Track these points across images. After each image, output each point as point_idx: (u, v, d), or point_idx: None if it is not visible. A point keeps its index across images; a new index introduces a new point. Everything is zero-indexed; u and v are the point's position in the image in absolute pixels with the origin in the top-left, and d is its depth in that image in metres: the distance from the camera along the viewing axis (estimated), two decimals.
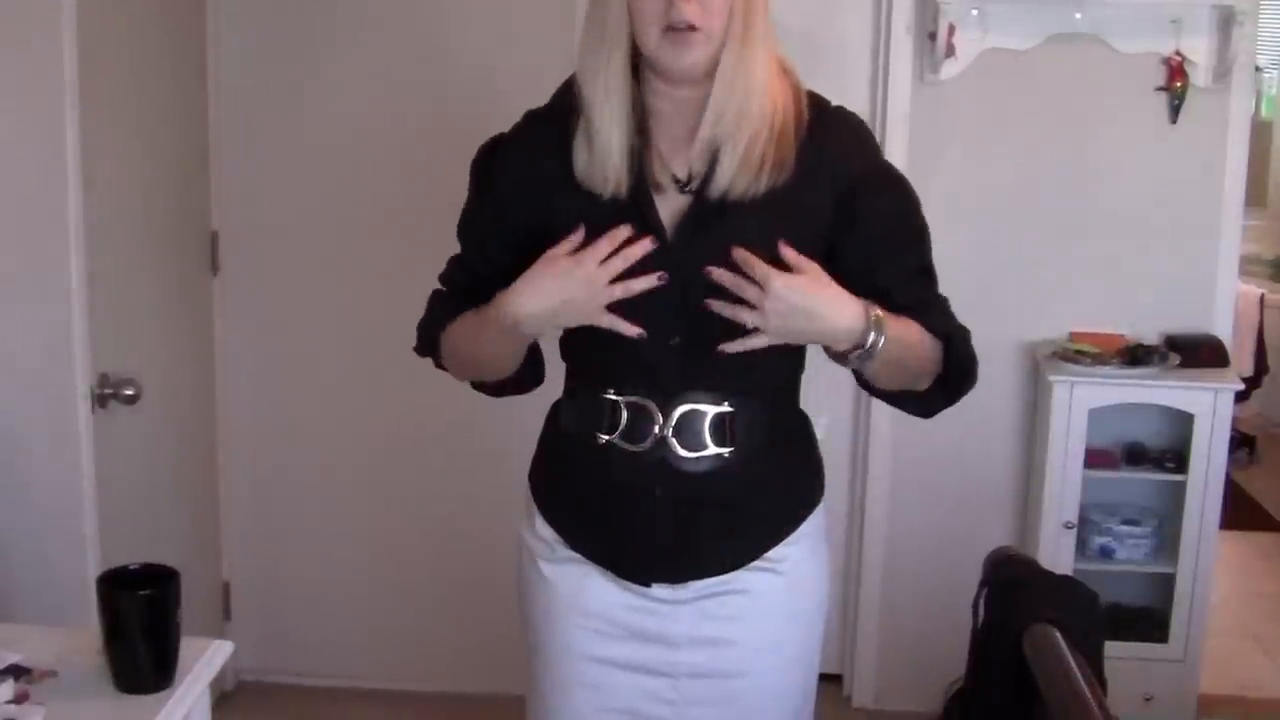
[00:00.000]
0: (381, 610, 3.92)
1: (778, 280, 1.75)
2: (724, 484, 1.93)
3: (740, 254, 1.76)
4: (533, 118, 2.01)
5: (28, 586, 2.68)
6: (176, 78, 3.44)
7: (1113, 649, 2.69)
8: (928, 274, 2.01)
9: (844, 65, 3.68)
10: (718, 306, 1.79)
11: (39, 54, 2.58)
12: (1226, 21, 3.49)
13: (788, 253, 1.78)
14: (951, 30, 3.53)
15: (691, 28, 1.79)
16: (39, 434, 2.68)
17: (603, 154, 1.86)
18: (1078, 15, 3.53)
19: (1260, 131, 5.67)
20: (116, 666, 1.83)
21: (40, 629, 2.09)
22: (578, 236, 1.82)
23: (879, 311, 1.83)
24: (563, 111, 1.91)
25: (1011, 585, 2.64)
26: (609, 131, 1.85)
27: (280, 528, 3.89)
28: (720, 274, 1.77)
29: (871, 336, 1.81)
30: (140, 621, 1.81)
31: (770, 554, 2.00)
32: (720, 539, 1.97)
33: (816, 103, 1.94)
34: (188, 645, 1.89)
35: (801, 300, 1.77)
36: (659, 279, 1.81)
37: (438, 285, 2.10)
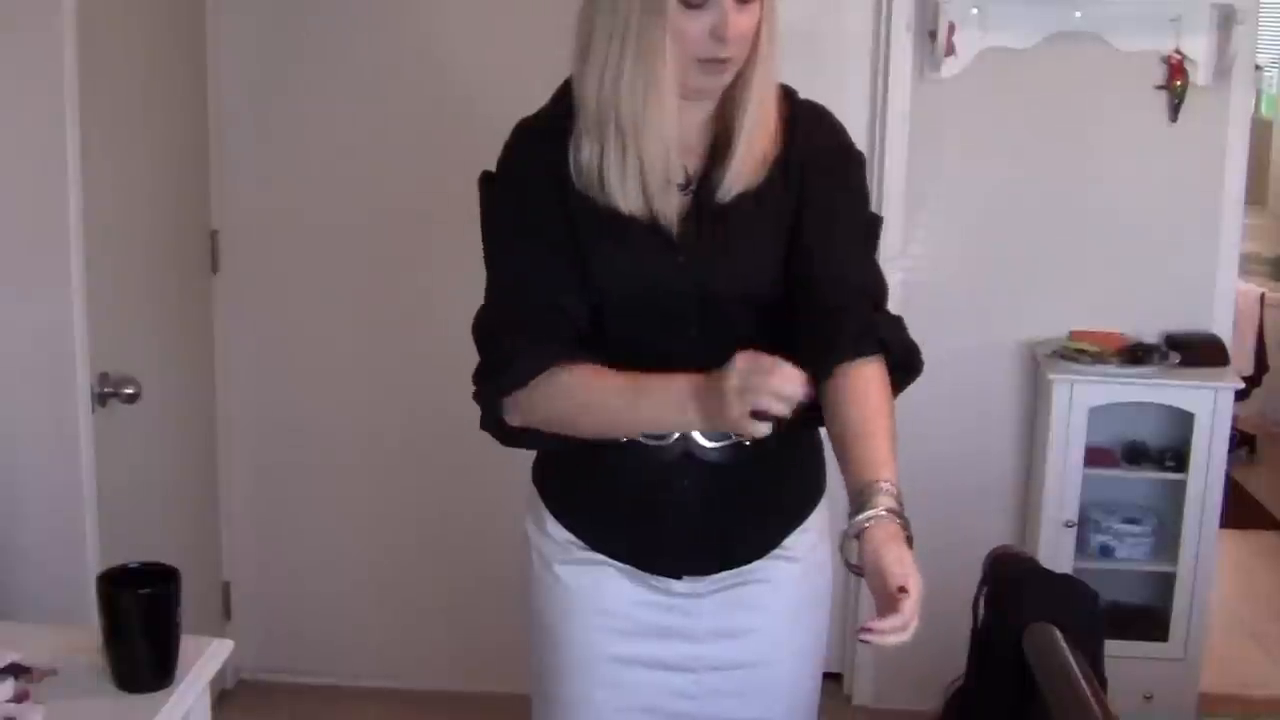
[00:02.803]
0: (382, 609, 3.92)
1: (911, 601, 1.87)
2: (745, 472, 1.95)
3: (878, 629, 1.84)
4: (525, 130, 1.99)
5: (28, 585, 2.67)
6: (176, 76, 3.44)
7: (1113, 648, 2.69)
8: (868, 256, 2.00)
9: (844, 64, 3.68)
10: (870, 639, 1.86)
11: (39, 53, 2.58)
12: (1226, 20, 3.49)
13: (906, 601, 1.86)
14: (951, 29, 3.53)
15: (726, 61, 1.82)
16: (39, 433, 2.67)
17: (657, 183, 1.86)
18: (1077, 14, 3.53)
19: (1260, 130, 5.66)
20: (116, 665, 1.83)
21: (40, 628, 2.09)
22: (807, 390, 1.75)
23: (885, 501, 1.84)
24: (560, 116, 1.92)
25: (1012, 584, 2.64)
26: (664, 159, 1.86)
27: (280, 526, 3.89)
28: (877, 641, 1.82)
29: (902, 511, 1.88)
30: (140, 620, 1.81)
31: (785, 542, 2.04)
32: (746, 527, 2.00)
33: (789, 96, 1.97)
34: (188, 644, 1.89)
35: (911, 562, 1.90)
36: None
37: (486, 346, 1.96)
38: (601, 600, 2.02)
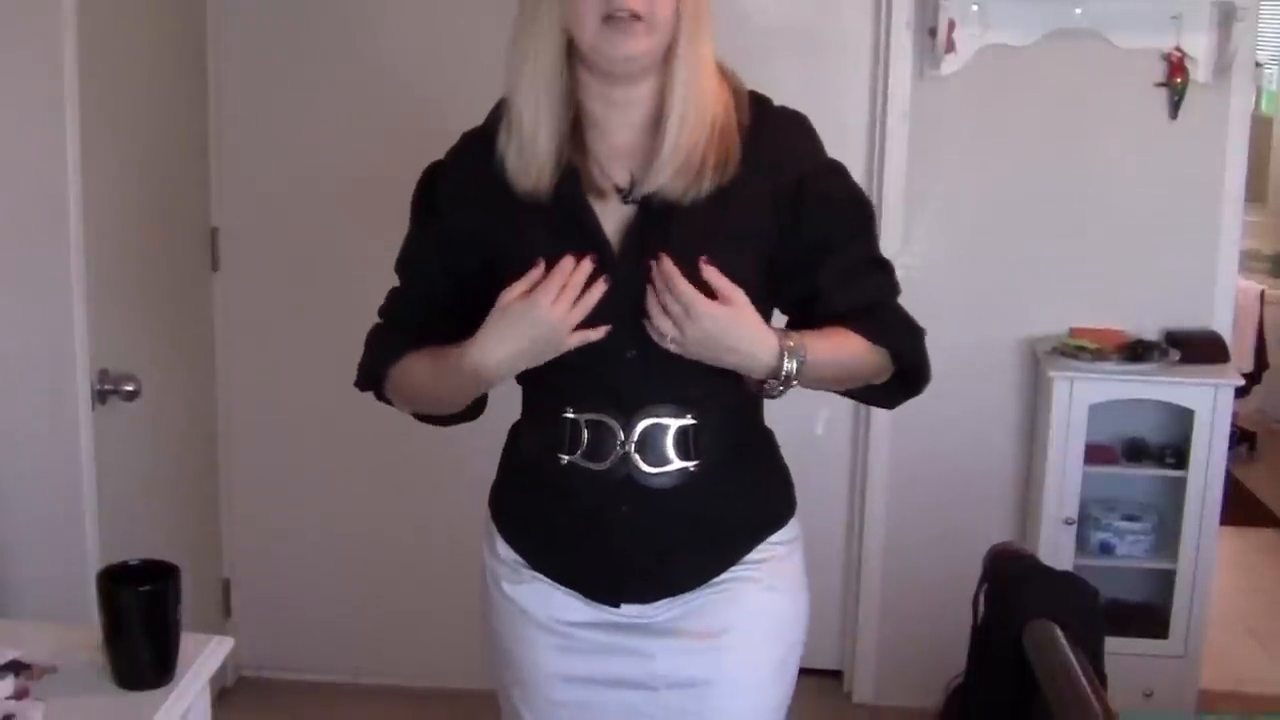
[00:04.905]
0: (381, 606, 3.92)
1: (701, 306, 1.75)
2: (691, 499, 1.89)
3: (667, 267, 1.76)
4: (468, 138, 1.98)
5: (28, 582, 2.68)
6: (176, 74, 3.44)
7: (1113, 645, 2.69)
8: (879, 265, 1.97)
9: (844, 61, 3.68)
10: (650, 307, 1.79)
11: (39, 50, 2.58)
12: (1227, 17, 3.49)
13: (714, 277, 1.77)
14: (951, 26, 3.53)
15: (634, 16, 1.74)
16: (39, 430, 2.67)
17: (527, 144, 1.81)
18: (1078, 11, 3.53)
19: (1260, 127, 5.66)
20: (117, 663, 1.83)
21: (40, 625, 2.10)
22: (535, 273, 1.78)
23: (794, 340, 1.82)
24: (495, 125, 1.88)
25: (1012, 581, 2.65)
26: (534, 118, 1.81)
27: (280, 524, 3.89)
28: (657, 277, 1.77)
29: (786, 367, 1.81)
30: (140, 617, 1.81)
31: (746, 558, 1.96)
32: (690, 555, 1.93)
33: (759, 102, 1.89)
34: (188, 641, 1.89)
35: (721, 331, 1.77)
36: (607, 330, 1.80)
37: (377, 319, 2.09)
38: (551, 620, 1.97)
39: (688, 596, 1.94)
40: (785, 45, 3.65)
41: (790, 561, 2.02)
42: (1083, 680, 2.18)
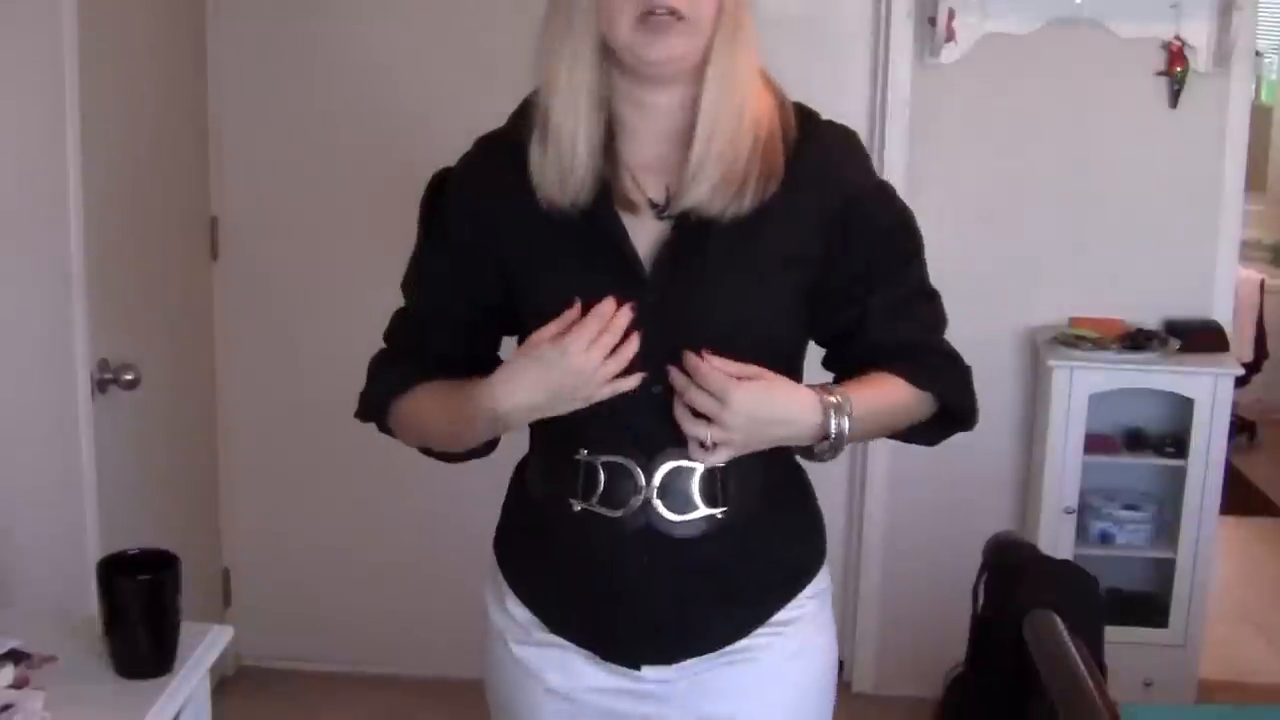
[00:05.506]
0: (381, 595, 3.92)
1: (737, 393, 1.60)
2: (718, 549, 1.73)
3: (692, 362, 1.61)
4: (484, 143, 1.82)
5: (28, 572, 2.67)
6: (176, 63, 3.44)
7: (1112, 634, 2.69)
8: (926, 297, 1.85)
9: (844, 51, 3.67)
10: (679, 414, 1.64)
11: (39, 40, 2.57)
12: (1226, 6, 3.48)
13: (725, 364, 1.62)
14: (951, 15, 3.53)
15: (674, 14, 1.59)
16: (39, 419, 2.67)
17: (566, 155, 1.66)
18: (1077, 0, 3.53)
19: (1260, 116, 5.66)
20: (116, 652, 1.83)
21: (40, 614, 2.10)
22: (570, 314, 1.62)
23: (837, 395, 1.67)
24: (518, 131, 1.72)
25: (1011, 570, 2.65)
26: (573, 125, 1.66)
27: (280, 513, 3.89)
28: (676, 377, 1.63)
29: (834, 426, 1.65)
30: (140, 607, 1.82)
31: (774, 618, 1.79)
32: (716, 611, 1.76)
33: (805, 115, 1.76)
34: (188, 630, 1.90)
35: (764, 409, 1.62)
36: (641, 379, 1.64)
37: (382, 345, 1.96)
38: (564, 685, 1.80)
39: (711, 659, 1.77)
40: (784, 34, 3.62)
41: (819, 618, 1.87)
42: (1082, 670, 2.19)
